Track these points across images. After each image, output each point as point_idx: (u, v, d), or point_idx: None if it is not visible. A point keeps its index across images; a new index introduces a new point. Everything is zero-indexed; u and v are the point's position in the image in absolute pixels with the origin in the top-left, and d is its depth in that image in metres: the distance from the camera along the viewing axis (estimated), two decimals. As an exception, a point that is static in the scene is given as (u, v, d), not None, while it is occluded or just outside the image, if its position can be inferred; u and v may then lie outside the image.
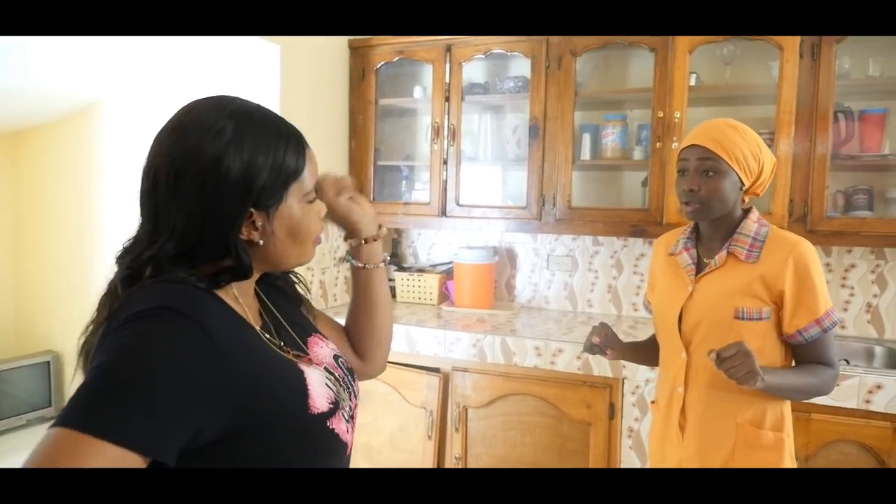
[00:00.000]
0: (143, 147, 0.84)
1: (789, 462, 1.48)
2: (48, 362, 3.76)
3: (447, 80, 2.69)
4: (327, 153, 2.80)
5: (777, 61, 2.25)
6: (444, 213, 2.75)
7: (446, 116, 2.70)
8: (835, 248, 2.50)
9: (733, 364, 1.28)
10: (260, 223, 0.82)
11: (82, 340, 0.79)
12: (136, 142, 3.18)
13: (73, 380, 0.76)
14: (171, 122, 0.83)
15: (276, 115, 0.88)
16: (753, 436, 1.45)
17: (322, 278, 2.79)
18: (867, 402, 1.95)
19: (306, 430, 0.83)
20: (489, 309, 2.81)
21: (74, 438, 0.62)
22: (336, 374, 0.96)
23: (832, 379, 1.45)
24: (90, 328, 0.78)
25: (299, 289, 1.05)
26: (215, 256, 0.81)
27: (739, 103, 2.53)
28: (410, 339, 2.50)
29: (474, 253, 2.81)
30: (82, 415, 0.64)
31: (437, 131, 2.72)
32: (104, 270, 0.80)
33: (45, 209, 3.80)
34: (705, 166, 1.43)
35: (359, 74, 2.85)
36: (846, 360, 2.24)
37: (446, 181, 2.74)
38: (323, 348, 0.99)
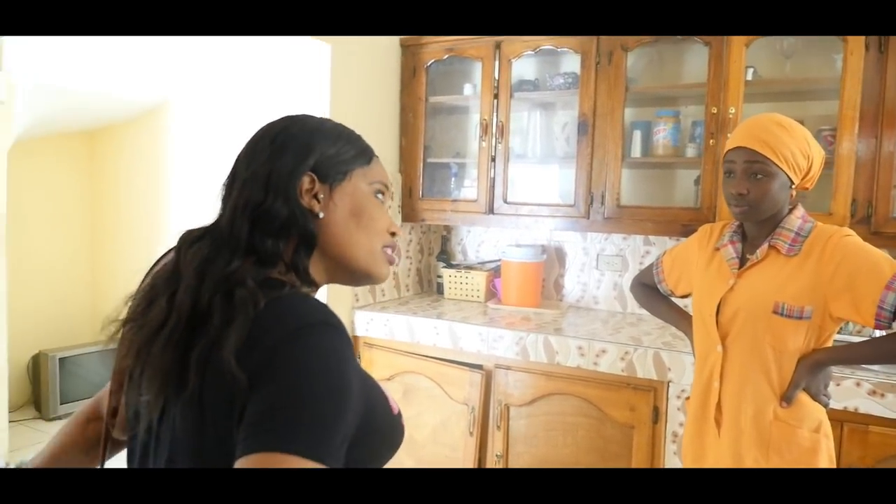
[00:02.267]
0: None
1: (827, 463, 1.43)
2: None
3: (496, 77, 2.68)
4: (378, 150, 2.75)
5: (841, 54, 2.14)
6: (491, 210, 2.75)
7: (495, 114, 2.69)
8: (903, 253, 2.35)
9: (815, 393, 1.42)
10: (322, 196, 0.84)
11: (228, 354, 0.69)
12: (202, 139, 3.33)
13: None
14: None
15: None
16: (790, 434, 1.41)
17: (395, 269, 2.87)
18: (932, 414, 1.83)
19: (395, 432, 0.86)
20: (536, 307, 2.79)
21: (290, 462, 0.63)
22: None
23: None
24: (236, 339, 0.69)
25: None
26: (279, 214, 0.80)
27: (800, 98, 2.42)
28: (454, 334, 2.51)
29: (522, 251, 2.79)
30: (305, 438, 0.64)
31: (485, 128, 2.71)
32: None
33: (119, 204, 4.01)
34: (753, 169, 1.40)
35: (409, 72, 2.88)
36: (912, 371, 2.11)
37: (494, 178, 2.73)
38: None
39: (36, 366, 3.65)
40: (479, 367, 2.48)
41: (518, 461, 2.42)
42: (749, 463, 1.43)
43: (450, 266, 3.10)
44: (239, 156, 0.87)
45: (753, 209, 1.42)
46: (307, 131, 0.86)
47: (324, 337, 0.72)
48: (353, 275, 0.89)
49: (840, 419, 1.88)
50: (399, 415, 0.87)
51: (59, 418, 3.68)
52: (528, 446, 2.40)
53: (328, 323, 0.73)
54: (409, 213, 2.95)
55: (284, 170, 0.82)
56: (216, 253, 0.78)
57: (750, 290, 1.45)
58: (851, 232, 1.40)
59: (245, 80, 2.87)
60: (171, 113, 3.64)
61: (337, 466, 0.66)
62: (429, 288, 3.29)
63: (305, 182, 0.83)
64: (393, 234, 0.92)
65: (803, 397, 1.42)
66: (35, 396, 3.69)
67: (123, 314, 0.81)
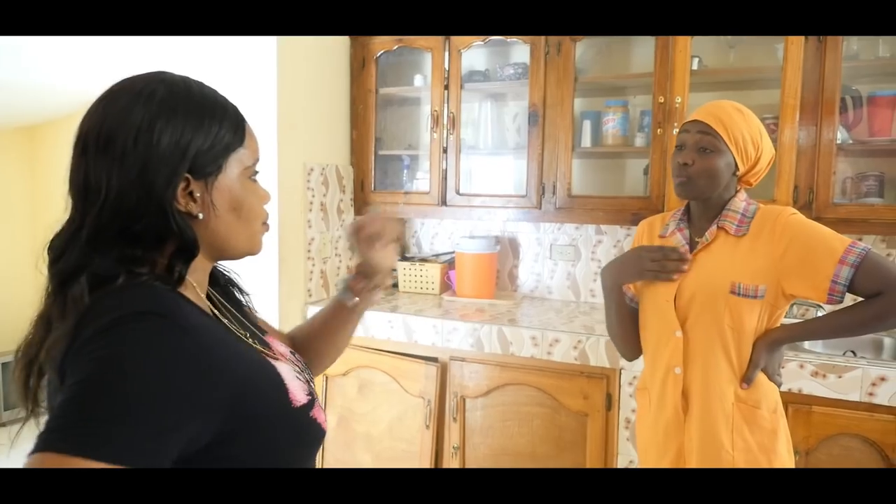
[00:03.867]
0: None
1: (786, 443, 1.46)
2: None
3: (446, 68, 2.66)
4: (329, 143, 2.80)
5: (782, 44, 2.18)
6: (443, 202, 2.73)
7: (446, 105, 2.68)
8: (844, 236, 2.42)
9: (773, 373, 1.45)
10: (199, 194, 0.78)
11: (48, 352, 0.70)
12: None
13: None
14: (103, 92, 0.79)
15: (213, 89, 0.85)
16: (751, 415, 1.43)
17: (323, 268, 2.79)
18: (870, 394, 1.89)
19: (294, 425, 0.82)
20: (491, 299, 2.79)
21: (66, 463, 0.57)
22: (300, 366, 0.95)
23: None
24: (57, 337, 0.69)
25: (236, 291, 1.00)
26: (156, 231, 0.75)
27: (744, 88, 2.47)
28: (408, 328, 2.50)
29: (476, 242, 2.79)
30: (73, 437, 0.59)
31: (436, 120, 2.70)
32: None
33: (61, 203, 3.88)
34: (703, 143, 1.43)
35: (359, 64, 2.84)
36: (853, 352, 2.18)
37: (446, 170, 2.72)
38: (279, 345, 0.98)
39: (-23, 371, 3.52)
40: (435, 359, 2.47)
41: (475, 452, 2.43)
42: (717, 447, 1.43)
43: (404, 259, 3.08)
44: (86, 151, 0.75)
45: (693, 182, 1.44)
46: (175, 123, 0.76)
47: (139, 326, 0.67)
48: (230, 258, 0.88)
49: (785, 400, 1.90)
50: (305, 407, 0.83)
51: (4, 425, 3.56)
52: (485, 437, 2.41)
53: (152, 312, 0.68)
54: (362, 206, 2.91)
55: (158, 180, 0.74)
56: (81, 266, 0.74)
57: (704, 271, 1.46)
58: (796, 211, 1.43)
59: (191, 70, 2.80)
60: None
61: (140, 466, 0.60)
62: (384, 281, 3.26)
63: (181, 187, 0.77)
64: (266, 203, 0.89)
65: (760, 378, 1.44)
66: (-23, 403, 3.57)
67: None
